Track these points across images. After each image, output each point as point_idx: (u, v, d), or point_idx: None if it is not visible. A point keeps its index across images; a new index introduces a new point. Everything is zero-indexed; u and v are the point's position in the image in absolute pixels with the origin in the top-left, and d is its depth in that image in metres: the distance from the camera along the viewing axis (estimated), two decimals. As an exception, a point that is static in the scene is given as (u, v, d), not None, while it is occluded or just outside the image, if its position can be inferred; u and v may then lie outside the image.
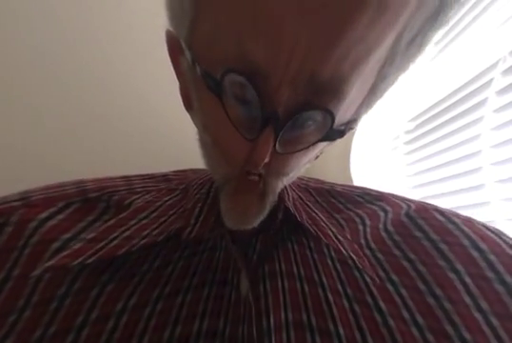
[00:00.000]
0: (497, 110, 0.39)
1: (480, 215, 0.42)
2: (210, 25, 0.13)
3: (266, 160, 0.15)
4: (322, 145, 0.17)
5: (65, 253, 0.17)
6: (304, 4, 0.10)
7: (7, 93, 0.49)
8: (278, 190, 0.20)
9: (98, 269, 0.19)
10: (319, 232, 0.21)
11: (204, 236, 0.21)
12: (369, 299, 0.18)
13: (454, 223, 0.21)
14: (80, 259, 0.17)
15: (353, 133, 0.63)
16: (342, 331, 0.17)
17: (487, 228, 0.21)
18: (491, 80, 0.39)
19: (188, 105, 0.20)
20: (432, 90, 0.51)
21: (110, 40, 0.57)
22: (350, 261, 0.20)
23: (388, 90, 0.17)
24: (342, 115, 0.15)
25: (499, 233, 0.21)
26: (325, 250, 0.22)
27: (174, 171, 0.31)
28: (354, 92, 0.14)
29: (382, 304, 0.18)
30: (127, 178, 0.26)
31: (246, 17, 0.11)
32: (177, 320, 0.18)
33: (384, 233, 0.22)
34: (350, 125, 0.17)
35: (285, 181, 0.19)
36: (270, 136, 0.14)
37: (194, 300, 0.19)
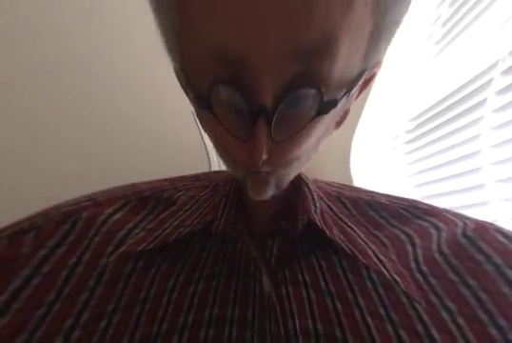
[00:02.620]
0: (496, 110, 0.39)
1: (480, 215, 0.42)
2: (190, 45, 0.14)
3: (265, 157, 0.15)
4: (325, 119, 0.16)
5: (132, 241, 0.21)
6: None
7: (6, 94, 0.49)
8: (287, 174, 0.20)
9: (155, 252, 0.21)
10: (355, 251, 0.20)
11: (228, 230, 0.23)
12: (420, 327, 0.17)
13: None
14: (143, 245, 0.21)
15: (353, 133, 0.63)
16: None
17: None
18: (491, 80, 0.39)
19: None
20: (432, 90, 0.51)
21: (110, 41, 0.57)
22: (395, 284, 0.18)
23: (396, 29, 0.15)
24: (340, 75, 0.14)
25: None
26: (364, 271, 0.20)
27: (203, 173, 0.35)
28: (348, 47, 0.13)
29: (435, 333, 0.16)
30: (170, 180, 0.31)
31: (217, 18, 0.11)
32: (214, 303, 0.20)
33: (437, 255, 0.20)
34: (359, 77, 0.15)
35: (297, 165, 0.19)
36: (262, 131, 0.14)
37: (226, 285, 0.21)
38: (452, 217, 0.23)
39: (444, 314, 0.17)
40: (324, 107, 0.14)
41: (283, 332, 0.18)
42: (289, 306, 0.19)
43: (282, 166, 0.18)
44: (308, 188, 0.26)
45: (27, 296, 0.18)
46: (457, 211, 0.24)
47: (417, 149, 0.55)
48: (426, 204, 0.25)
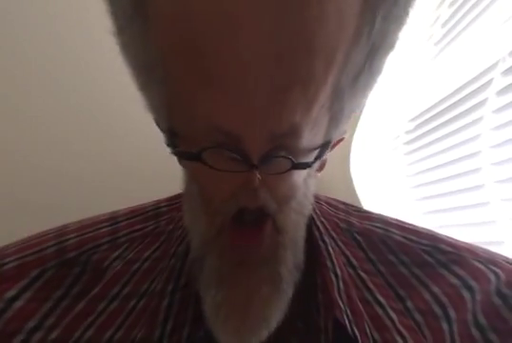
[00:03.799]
0: (497, 111, 0.39)
1: (479, 215, 0.42)
2: (183, 104, 0.14)
3: (259, 177, 0.14)
4: (301, 172, 0.16)
5: None
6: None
7: (6, 96, 0.49)
8: (294, 223, 0.17)
9: None
10: None
11: None
12: None
13: None
14: None
15: (353, 133, 0.63)
16: None
17: None
18: (491, 80, 0.39)
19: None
20: (432, 91, 0.51)
21: (110, 41, 0.57)
22: None
23: (356, 110, 0.17)
24: (307, 148, 0.15)
25: None
26: None
27: (170, 199, 0.26)
28: (309, 131, 0.14)
29: None
30: (113, 220, 0.23)
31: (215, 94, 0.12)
32: None
33: (474, 330, 0.17)
34: (325, 147, 0.16)
35: (296, 206, 0.17)
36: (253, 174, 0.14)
37: None
38: (482, 267, 0.20)
39: None
40: (298, 166, 0.15)
41: None
42: None
43: (280, 200, 0.16)
44: (323, 241, 0.21)
45: None
46: (484, 249, 0.22)
47: (416, 149, 0.55)
48: (450, 243, 0.22)
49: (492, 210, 0.40)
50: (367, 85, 0.16)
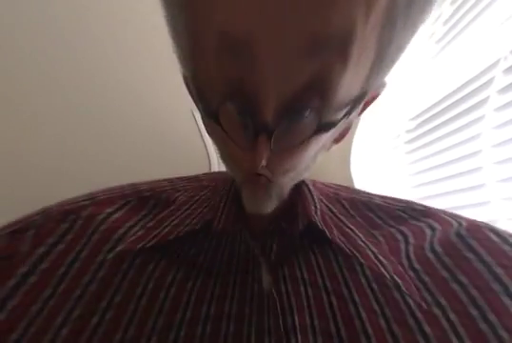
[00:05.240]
0: (498, 109, 0.39)
1: (480, 215, 0.42)
2: (206, 60, 0.14)
3: (264, 163, 0.15)
4: (323, 137, 0.17)
5: (131, 239, 0.21)
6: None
7: (5, 96, 0.49)
8: (285, 184, 0.21)
9: (153, 250, 0.22)
10: (356, 253, 0.20)
11: (228, 228, 0.23)
12: (412, 322, 0.17)
13: (511, 244, 0.20)
14: (142, 243, 0.21)
15: (353, 133, 0.63)
16: None
17: None
18: (492, 79, 0.39)
19: None
20: (433, 89, 0.50)
21: (110, 40, 0.57)
22: (391, 284, 0.19)
23: (400, 54, 0.15)
24: (343, 93, 0.14)
25: None
26: (358, 267, 0.21)
27: (203, 174, 0.35)
28: (357, 58, 0.12)
29: (427, 328, 0.17)
30: (169, 180, 0.31)
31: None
32: (211, 299, 0.21)
33: (430, 254, 0.21)
34: (359, 100, 0.15)
35: (295, 175, 0.20)
36: (263, 144, 0.14)
37: (224, 284, 0.22)
38: (448, 218, 0.23)
39: (436, 310, 0.18)
40: (323, 127, 0.15)
41: (282, 328, 0.18)
42: (288, 302, 0.20)
43: (280, 174, 0.18)
44: (308, 189, 0.26)
45: (23, 293, 0.18)
46: (453, 211, 0.25)
47: (417, 148, 0.54)
48: (423, 205, 0.26)
49: (493, 209, 0.40)
50: (419, 17, 0.13)
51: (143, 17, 0.55)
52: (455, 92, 0.45)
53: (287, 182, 0.20)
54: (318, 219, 0.22)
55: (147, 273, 0.21)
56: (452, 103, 0.46)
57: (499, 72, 0.38)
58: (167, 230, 0.22)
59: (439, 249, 0.21)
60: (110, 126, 0.58)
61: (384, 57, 0.14)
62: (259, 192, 0.19)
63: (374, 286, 0.20)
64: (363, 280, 0.20)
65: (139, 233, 0.22)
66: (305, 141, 0.15)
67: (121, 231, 0.22)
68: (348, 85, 0.13)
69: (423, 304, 0.18)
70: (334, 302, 0.19)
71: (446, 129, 0.47)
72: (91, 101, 0.56)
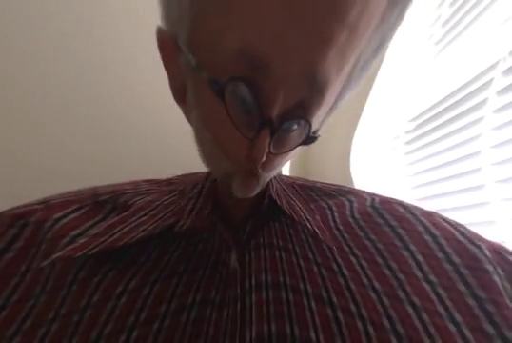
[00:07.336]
0: (497, 111, 0.39)
1: (480, 215, 0.42)
2: (213, 25, 0.14)
3: (264, 158, 0.17)
4: (299, 148, 0.21)
5: (71, 247, 0.20)
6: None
7: (5, 97, 0.49)
8: (267, 179, 0.24)
9: (101, 260, 0.21)
10: (293, 214, 0.26)
11: (197, 228, 0.23)
12: (335, 266, 0.22)
13: (413, 214, 0.25)
14: (83, 251, 0.20)
15: (353, 133, 0.63)
16: (310, 288, 0.21)
17: (445, 219, 0.25)
18: (491, 80, 0.39)
19: (181, 98, 0.22)
20: (432, 91, 0.51)
21: (110, 42, 0.57)
22: (315, 234, 0.24)
23: (343, 102, 0.21)
24: (315, 122, 0.18)
25: (455, 224, 0.24)
26: (299, 226, 0.26)
27: (178, 176, 0.35)
28: (327, 100, 0.17)
29: (345, 271, 0.21)
30: (135, 183, 0.31)
31: (251, 13, 0.13)
32: (173, 296, 0.20)
33: (351, 219, 0.26)
34: (317, 132, 0.20)
35: (274, 172, 0.23)
36: (267, 137, 0.16)
37: (189, 280, 0.21)
38: (364, 194, 0.30)
39: (352, 258, 0.22)
40: (308, 139, 0.18)
41: (239, 292, 0.20)
42: (249, 268, 0.22)
43: (267, 171, 0.21)
44: (274, 178, 0.31)
45: None
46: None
47: (417, 149, 0.55)
48: (351, 187, 0.33)
49: (492, 210, 0.40)
50: (365, 76, 0.19)
51: (143, 17, 0.55)
52: (454, 94, 0.46)
53: (269, 176, 0.24)
54: (273, 193, 0.28)
55: (93, 285, 0.20)
56: (451, 104, 0.46)
57: (498, 74, 0.38)
58: (114, 237, 0.21)
59: (357, 216, 0.26)
60: (110, 126, 0.58)
61: (336, 105, 0.20)
62: (253, 181, 0.21)
63: (310, 240, 0.25)
64: (302, 236, 0.25)
65: (81, 241, 0.21)
66: (293, 148, 0.19)
67: (65, 240, 0.21)
68: (318, 116, 0.18)
69: (334, 247, 0.23)
70: (283, 256, 0.23)
71: (446, 130, 0.47)
72: (91, 101, 0.56)
